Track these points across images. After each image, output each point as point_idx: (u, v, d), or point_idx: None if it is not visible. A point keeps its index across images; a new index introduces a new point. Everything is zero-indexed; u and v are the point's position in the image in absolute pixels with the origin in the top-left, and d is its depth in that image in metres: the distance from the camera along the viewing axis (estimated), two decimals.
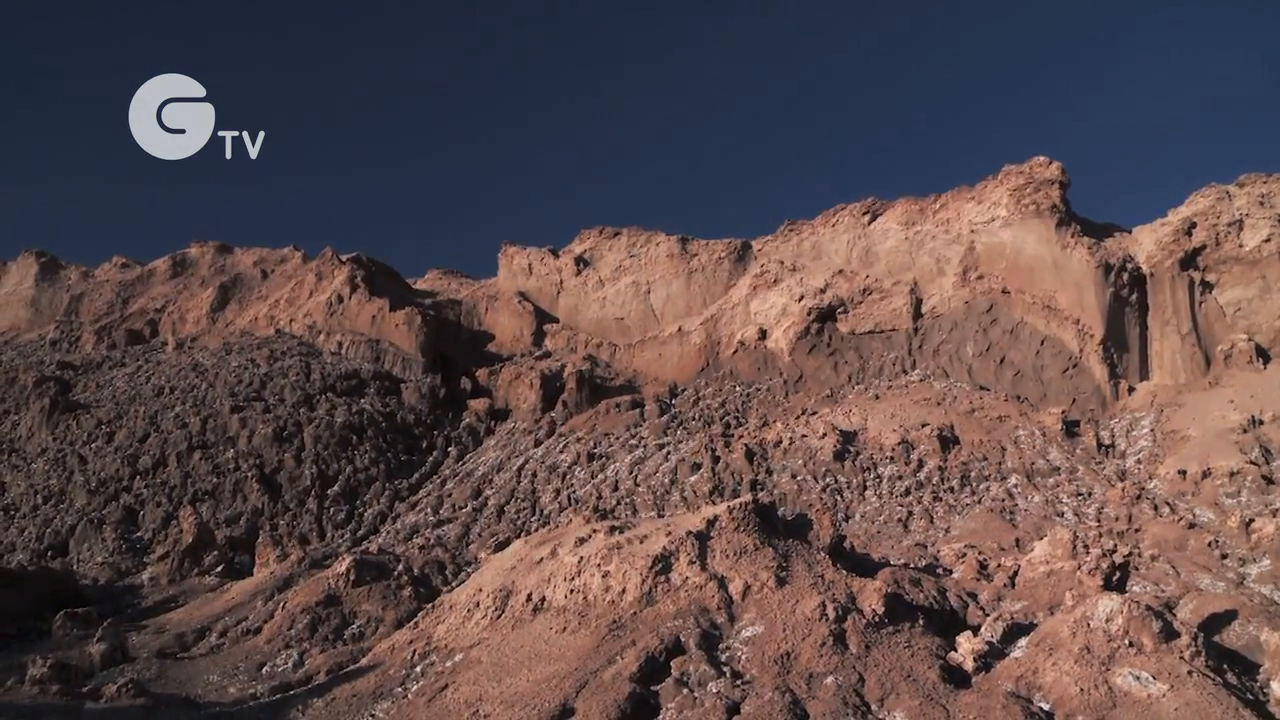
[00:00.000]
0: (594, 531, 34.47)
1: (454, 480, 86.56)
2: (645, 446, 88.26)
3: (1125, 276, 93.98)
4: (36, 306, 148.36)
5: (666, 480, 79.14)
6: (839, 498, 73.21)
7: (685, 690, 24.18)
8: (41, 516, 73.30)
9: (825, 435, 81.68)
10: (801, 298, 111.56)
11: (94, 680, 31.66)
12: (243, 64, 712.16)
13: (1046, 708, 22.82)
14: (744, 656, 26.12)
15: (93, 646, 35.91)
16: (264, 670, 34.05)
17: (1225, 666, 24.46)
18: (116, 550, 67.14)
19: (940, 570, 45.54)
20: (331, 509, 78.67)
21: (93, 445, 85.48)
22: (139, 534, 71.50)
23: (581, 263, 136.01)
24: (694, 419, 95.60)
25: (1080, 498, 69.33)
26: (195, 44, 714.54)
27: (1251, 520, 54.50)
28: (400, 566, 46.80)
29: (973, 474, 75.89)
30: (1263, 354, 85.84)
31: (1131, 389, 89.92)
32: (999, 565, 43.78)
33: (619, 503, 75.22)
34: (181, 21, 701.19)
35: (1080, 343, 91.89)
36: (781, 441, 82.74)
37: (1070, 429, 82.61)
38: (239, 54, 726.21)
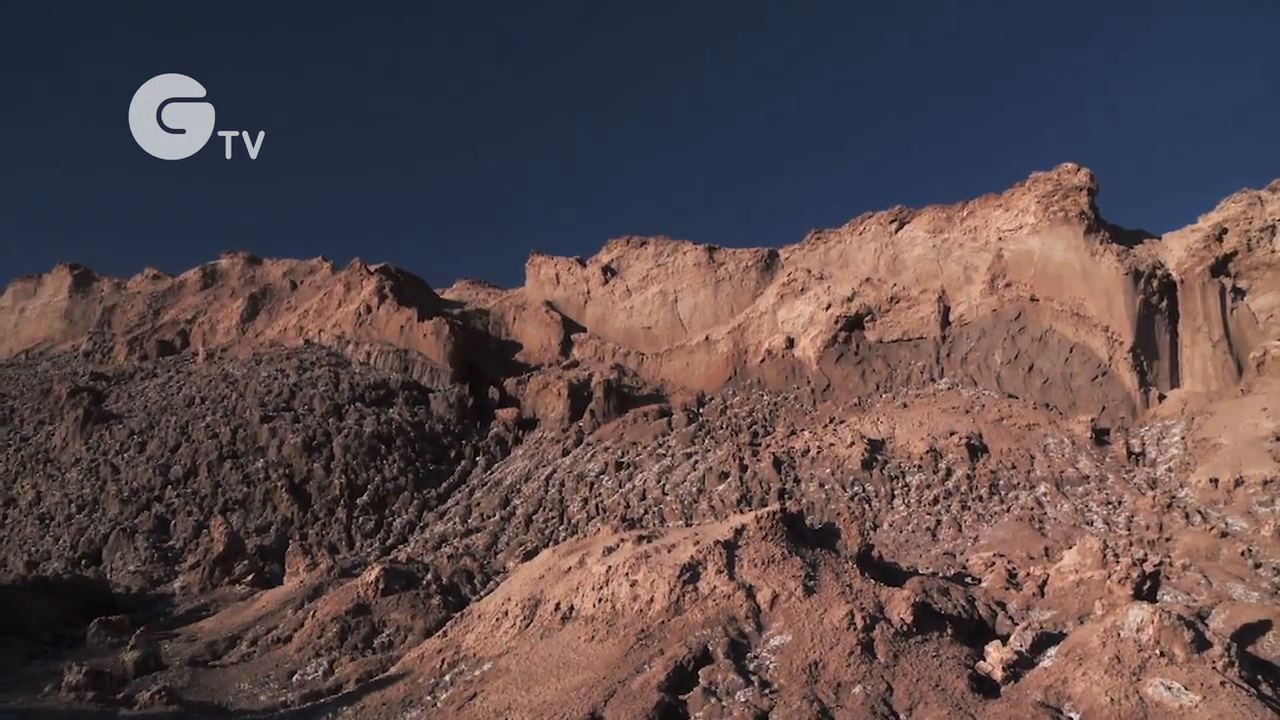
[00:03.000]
0: (622, 541, 34.54)
1: (482, 490, 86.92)
2: (673, 456, 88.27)
3: (1155, 283, 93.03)
4: (70, 318, 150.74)
5: (694, 489, 79.08)
6: (867, 506, 72.91)
7: (713, 699, 24.20)
8: (75, 525, 74.32)
9: (853, 444, 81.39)
10: (829, 306, 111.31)
11: (127, 687, 32.07)
12: (248, 65, 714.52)
13: (1076, 718, 22.66)
14: (772, 666, 26.10)
15: (126, 654, 36.40)
16: (294, 679, 34.36)
17: (1259, 677, 24.14)
18: (149, 559, 68.03)
19: (969, 579, 45.26)
20: (360, 518, 79.23)
21: (125, 455, 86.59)
22: (171, 543, 72.39)
23: (609, 272, 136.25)
24: (721, 428, 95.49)
25: (1110, 506, 68.66)
26: (195, 43, 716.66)
27: None
28: (429, 575, 47.08)
29: (1001, 482, 75.34)
30: None
31: (1162, 396, 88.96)
32: (1028, 574, 43.46)
33: (647, 512, 75.27)
34: (181, 21, 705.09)
35: (1110, 350, 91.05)
36: (809, 450, 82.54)
37: (1100, 437, 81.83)
38: (245, 55, 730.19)
